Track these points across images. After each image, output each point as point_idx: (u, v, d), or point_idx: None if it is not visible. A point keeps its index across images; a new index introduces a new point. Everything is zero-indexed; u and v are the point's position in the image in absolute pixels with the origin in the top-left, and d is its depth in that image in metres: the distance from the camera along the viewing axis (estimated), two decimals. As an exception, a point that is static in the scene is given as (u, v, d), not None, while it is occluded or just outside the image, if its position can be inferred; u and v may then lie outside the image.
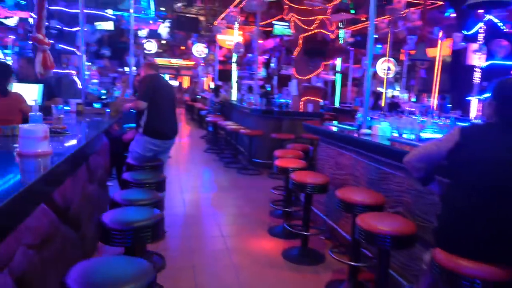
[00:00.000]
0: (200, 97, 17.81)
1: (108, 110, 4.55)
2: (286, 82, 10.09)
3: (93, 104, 4.75)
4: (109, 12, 10.05)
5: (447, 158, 2.03)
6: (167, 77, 29.01)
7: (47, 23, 8.03)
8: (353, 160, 3.83)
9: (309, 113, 7.74)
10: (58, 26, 7.99)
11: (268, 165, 6.86)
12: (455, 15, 10.30)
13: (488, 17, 9.30)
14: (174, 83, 27.74)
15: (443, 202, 2.05)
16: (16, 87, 4.12)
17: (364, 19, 11.96)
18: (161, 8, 17.79)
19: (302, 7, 7.90)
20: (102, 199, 3.84)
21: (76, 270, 1.62)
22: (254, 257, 3.67)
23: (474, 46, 9.42)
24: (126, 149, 4.32)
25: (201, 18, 19.05)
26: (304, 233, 3.69)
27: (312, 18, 7.92)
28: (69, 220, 2.66)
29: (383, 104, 9.95)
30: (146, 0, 11.99)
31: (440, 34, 10.69)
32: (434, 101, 10.99)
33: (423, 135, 3.53)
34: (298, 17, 8.00)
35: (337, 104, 12.89)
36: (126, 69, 8.41)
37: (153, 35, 15.02)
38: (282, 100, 9.09)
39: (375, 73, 13.01)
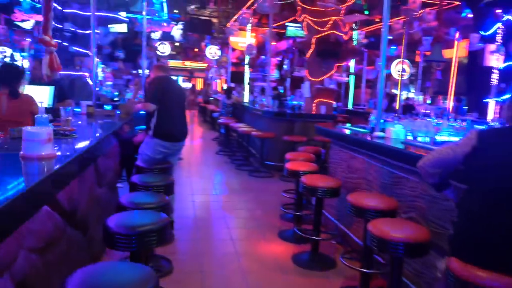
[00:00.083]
0: (212, 99, 17.83)
1: (118, 112, 4.54)
2: (299, 84, 10.00)
3: (104, 106, 4.74)
4: (123, 14, 10.11)
5: (463, 163, 1.94)
6: (180, 79, 29.23)
7: (60, 26, 8.13)
8: (366, 163, 3.74)
9: (321, 115, 7.64)
10: (72, 29, 8.07)
11: (280, 168, 6.78)
12: (472, 15, 10.08)
13: (506, 17, 9.08)
14: (188, 85, 27.88)
15: (459, 209, 1.96)
16: (28, 89, 4.15)
17: (378, 20, 11.80)
18: (175, 11, 17.89)
19: (315, 8, 7.82)
20: (111, 201, 3.82)
21: (77, 276, 1.58)
22: (263, 262, 3.60)
23: (492, 47, 9.20)
24: (137, 151, 4.30)
25: (214, 20, 19.08)
26: (315, 237, 3.61)
27: (325, 19, 7.82)
28: (76, 223, 2.64)
29: (397, 107, 9.79)
30: (159, 2, 12.05)
31: (457, 35, 10.48)
32: (450, 103, 10.77)
33: (439, 138, 3.42)
34: (311, 18, 7.92)
35: (350, 106, 12.74)
36: (140, 71, 8.44)
37: (166, 37, 15.09)
38: (294, 102, 9.01)
39: (389, 75, 12.84)
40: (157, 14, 12.30)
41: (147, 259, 2.95)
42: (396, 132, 3.55)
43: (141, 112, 4.19)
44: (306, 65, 8.44)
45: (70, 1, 7.92)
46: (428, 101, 12.14)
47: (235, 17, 12.62)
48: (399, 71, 11.10)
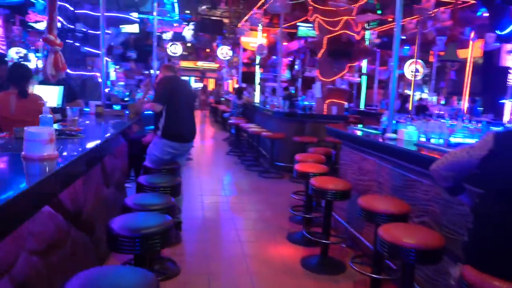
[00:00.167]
0: (224, 99, 17.83)
1: (127, 112, 4.53)
2: (310, 84, 9.91)
3: (113, 106, 4.73)
4: (134, 15, 10.14)
5: (479, 166, 1.85)
6: (192, 79, 29.32)
7: (72, 26, 8.18)
8: (377, 165, 3.65)
9: (332, 116, 7.55)
10: (83, 29, 8.10)
11: (290, 169, 6.67)
12: (487, 14, 9.86)
13: (523, 16, 8.85)
14: (199, 85, 27.95)
15: (474, 215, 1.87)
16: (37, 89, 4.16)
17: (391, 19, 11.63)
18: (186, 11, 17.91)
19: (327, 8, 7.73)
20: (119, 202, 3.80)
21: (76, 280, 1.54)
22: (272, 265, 3.54)
23: (508, 46, 8.99)
24: (145, 151, 4.27)
25: (225, 20, 19.06)
26: (324, 241, 3.53)
27: (336, 19, 7.73)
28: (81, 224, 2.61)
29: (410, 107, 9.63)
30: (171, 3, 12.06)
31: (472, 34, 10.27)
32: (464, 104, 10.56)
33: (453, 140, 3.32)
34: (322, 18, 7.83)
35: (362, 107, 12.59)
36: (152, 71, 8.46)
37: (178, 37, 15.11)
38: (305, 103, 8.93)
39: (402, 75, 12.66)
40: (168, 15, 12.32)
41: (153, 261, 2.92)
42: (409, 134, 3.45)
43: (148, 112, 4.16)
44: (318, 65, 8.35)
45: (82, 1, 7.96)
46: (442, 102, 11.93)
47: (246, 17, 12.56)
48: (412, 72, 10.92)
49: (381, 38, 11.81)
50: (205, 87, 26.45)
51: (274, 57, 14.64)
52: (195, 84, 29.75)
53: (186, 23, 15.97)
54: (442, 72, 13.55)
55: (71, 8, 7.87)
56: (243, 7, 17.41)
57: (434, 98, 11.70)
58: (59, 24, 8.68)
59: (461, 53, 10.58)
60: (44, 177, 1.61)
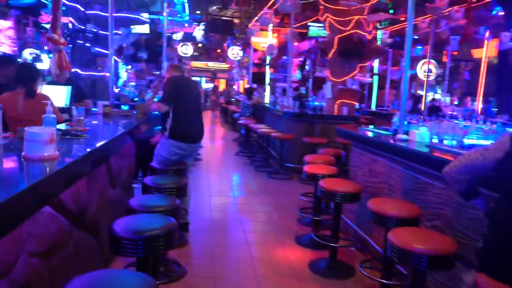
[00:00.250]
0: (234, 99, 17.80)
1: (135, 112, 4.51)
2: (321, 84, 9.81)
3: (121, 106, 4.72)
4: (145, 15, 10.16)
5: (494, 169, 1.76)
6: (203, 80, 29.39)
7: (83, 27, 8.22)
8: (388, 167, 3.56)
9: (343, 117, 7.45)
10: (94, 30, 8.14)
11: (299, 170, 6.61)
12: (503, 13, 9.66)
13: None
14: (210, 85, 27.99)
15: (489, 220, 1.79)
16: (45, 89, 4.16)
17: (403, 19, 11.48)
18: (197, 12, 17.95)
19: (338, 7, 7.64)
20: (126, 202, 3.77)
21: (74, 284, 1.50)
22: (279, 268, 3.47)
23: (524, 46, 8.79)
24: (153, 152, 4.25)
25: (236, 20, 19.03)
26: (333, 244, 3.45)
27: (348, 18, 7.63)
28: (85, 225, 2.58)
29: (422, 108, 9.47)
30: (181, 3, 12.08)
31: (487, 33, 10.07)
32: (478, 104, 10.36)
33: (467, 141, 3.22)
34: (333, 17, 7.74)
35: (373, 107, 12.44)
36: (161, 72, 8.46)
37: (188, 38, 15.12)
38: (316, 103, 8.84)
39: (415, 76, 12.48)
40: (178, 15, 12.33)
41: (158, 264, 2.87)
42: (421, 135, 3.36)
43: (156, 112, 4.13)
44: (328, 65, 8.26)
45: (92, 2, 7.99)
46: (456, 103, 11.73)
47: (257, 17, 12.52)
48: (425, 72, 10.75)
49: (393, 37, 11.67)
50: (215, 87, 26.48)
51: (284, 57, 14.57)
52: (206, 85, 29.81)
53: (197, 24, 15.99)
54: (456, 72, 13.34)
55: (82, 9, 7.91)
56: (254, 7, 17.38)
57: (447, 99, 11.52)
58: (70, 25, 8.77)
59: (476, 53, 10.39)
60: (42, 178, 1.58)
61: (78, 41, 8.31)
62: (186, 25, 13.38)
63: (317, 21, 10.68)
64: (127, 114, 4.45)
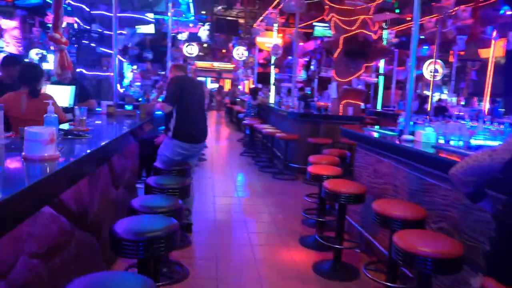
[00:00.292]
0: (239, 100, 17.78)
1: (139, 112, 4.49)
2: (326, 85, 9.75)
3: (125, 106, 4.71)
4: (150, 15, 10.17)
5: (502, 171, 1.72)
6: (208, 80, 29.41)
7: (88, 27, 8.23)
8: (393, 168, 3.52)
9: (348, 117, 7.40)
10: (99, 30, 8.15)
11: (304, 170, 6.52)
12: (510, 12, 9.55)
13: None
14: (215, 86, 28.01)
15: (497, 222, 1.74)
16: (49, 89, 4.15)
17: (409, 19, 11.39)
18: (202, 12, 17.95)
19: (343, 7, 7.58)
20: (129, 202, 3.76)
21: (74, 286, 1.48)
22: (282, 269, 3.44)
23: (532, 45, 8.67)
24: (156, 152, 4.23)
25: (241, 20, 19.01)
26: (337, 246, 3.41)
27: (353, 18, 7.57)
28: (86, 225, 2.56)
29: (429, 108, 9.39)
30: (186, 3, 12.07)
31: (494, 33, 9.96)
32: (486, 105, 10.25)
33: (473, 142, 3.16)
34: (338, 17, 7.68)
35: (379, 107, 12.36)
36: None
37: (194, 38, 15.12)
38: (321, 103, 8.79)
39: (421, 76, 12.38)
40: (183, 15, 12.33)
41: (160, 265, 2.85)
42: (427, 135, 3.31)
43: (159, 112, 4.12)
44: (333, 65, 8.21)
45: (98, 2, 8.01)
46: (462, 103, 11.62)
47: (262, 17, 12.49)
48: (431, 72, 10.66)
49: (399, 37, 11.58)
50: (220, 87, 26.49)
51: (290, 57, 14.52)
52: (211, 85, 29.83)
53: (202, 24, 15.98)
54: (462, 72, 13.21)
55: (87, 9, 7.92)
56: (259, 7, 17.35)
57: (454, 99, 11.41)
58: (75, 25, 8.79)
59: (483, 53, 10.28)
60: (40, 178, 1.56)
61: (83, 41, 8.33)
62: (191, 25, 13.38)
63: (323, 21, 10.61)
64: (131, 114, 4.43)
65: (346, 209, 3.54)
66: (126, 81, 12.29)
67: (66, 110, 4.00)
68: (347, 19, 7.61)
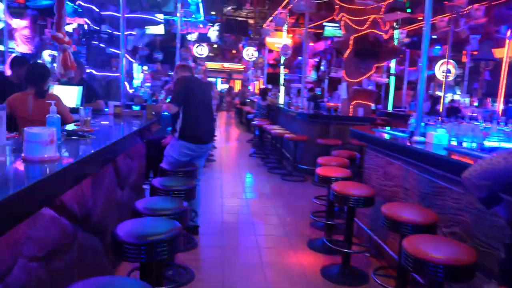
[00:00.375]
0: (249, 100, 17.75)
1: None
2: (336, 85, 9.65)
3: (132, 106, 4.69)
4: (160, 16, 10.17)
5: (518, 174, 1.64)
6: (219, 81, 29.44)
7: (98, 28, 8.26)
8: (404, 170, 3.43)
9: (358, 118, 7.31)
10: (108, 31, 8.17)
11: (313, 172, 6.44)
12: (526, 11, 9.36)
13: None
14: (225, 86, 28.02)
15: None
16: (56, 89, 4.15)
17: (421, 18, 11.23)
18: (212, 12, 17.95)
19: (354, 7, 7.49)
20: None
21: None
22: (289, 273, 3.37)
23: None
24: (162, 152, 4.20)
25: (251, 21, 18.97)
26: (345, 250, 3.34)
27: (363, 17, 7.48)
28: (90, 227, 2.53)
29: (441, 109, 9.24)
30: (195, 3, 12.07)
31: (508, 32, 9.76)
32: (499, 106, 10.04)
33: (487, 143, 3.07)
34: (349, 16, 7.59)
35: (390, 108, 12.21)
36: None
37: (203, 39, 15.13)
38: (331, 104, 8.70)
39: (433, 76, 12.20)
40: (193, 16, 12.33)
41: (164, 268, 2.81)
42: (438, 137, 3.22)
43: (165, 113, 4.09)
44: (343, 65, 8.12)
45: (107, 3, 8.02)
46: (475, 104, 11.41)
47: (271, 17, 12.43)
48: (443, 72, 10.49)
49: (410, 37, 11.42)
50: (230, 88, 26.48)
51: (300, 57, 14.44)
52: (221, 86, 29.85)
53: (211, 24, 15.98)
54: (476, 73, 12.99)
55: (97, 10, 7.95)
56: (269, 7, 17.28)
57: (467, 100, 11.22)
58: (85, 26, 8.83)
59: (497, 52, 10.08)
60: (38, 180, 1.52)
61: (93, 42, 8.35)
62: (201, 25, 13.37)
63: (333, 21, 10.52)
64: (138, 115, 4.41)
65: (355, 212, 3.46)
66: (136, 82, 12.32)
67: (73, 110, 3.99)
68: (357, 18, 7.52)
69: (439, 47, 11.90)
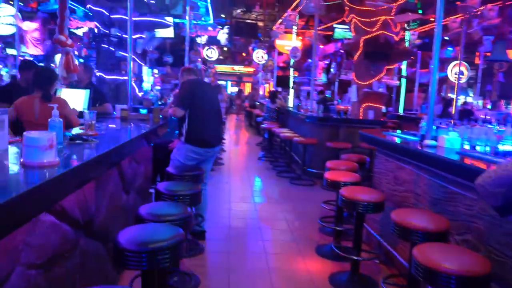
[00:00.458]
0: (259, 103, 17.71)
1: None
2: (346, 88, 9.55)
3: (140, 110, 4.67)
4: (169, 19, 10.19)
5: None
6: (229, 84, 29.49)
7: (107, 31, 8.30)
8: (415, 175, 3.34)
9: (369, 121, 7.20)
10: (118, 34, 8.21)
11: (322, 176, 6.38)
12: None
13: None
14: (235, 89, 28.04)
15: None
16: (64, 93, 4.15)
17: (433, 19, 11.07)
18: (221, 15, 17.97)
19: (364, 8, 7.40)
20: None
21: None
22: (297, 280, 3.30)
23: None
24: (169, 156, 4.16)
25: (260, 23, 18.95)
26: (354, 257, 3.25)
27: (374, 19, 7.38)
28: (93, 233, 2.49)
29: (453, 112, 9.08)
30: (204, 6, 12.09)
31: (523, 33, 9.57)
32: (514, 108, 9.84)
33: (501, 147, 2.96)
34: (359, 18, 7.50)
35: (401, 111, 12.05)
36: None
37: (213, 41, 15.13)
38: (341, 107, 8.62)
39: (446, 78, 12.02)
40: (202, 19, 12.34)
41: (167, 276, 2.77)
42: (450, 141, 3.12)
43: (171, 117, 4.06)
44: (353, 67, 8.03)
45: (117, 6, 8.06)
46: (489, 106, 11.21)
47: (281, 19, 12.38)
48: (456, 74, 10.33)
49: (422, 39, 11.27)
50: (240, 91, 26.47)
51: (309, 60, 14.36)
52: (231, 89, 29.88)
53: (221, 27, 15.99)
54: (489, 75, 12.77)
55: (107, 13, 7.99)
56: (278, 10, 17.25)
57: (480, 102, 11.04)
58: (95, 30, 8.88)
59: (511, 54, 9.89)
60: (35, 186, 1.49)
61: (102, 45, 8.40)
62: (210, 28, 13.38)
63: (343, 22, 10.43)
64: (145, 118, 4.38)
65: (365, 217, 3.38)
66: (146, 85, 12.37)
67: (81, 114, 3.98)
68: (367, 20, 7.43)
69: (451, 48, 11.74)
